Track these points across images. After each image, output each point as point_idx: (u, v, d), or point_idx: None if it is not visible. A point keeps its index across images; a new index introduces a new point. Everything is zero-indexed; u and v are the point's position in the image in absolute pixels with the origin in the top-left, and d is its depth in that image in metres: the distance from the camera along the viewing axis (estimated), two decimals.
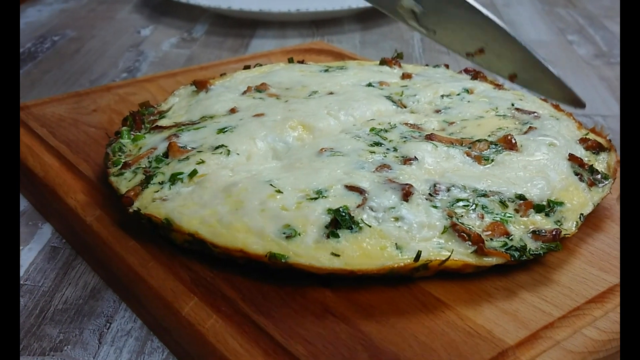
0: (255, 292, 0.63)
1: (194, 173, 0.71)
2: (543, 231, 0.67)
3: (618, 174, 0.81)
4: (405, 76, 0.99)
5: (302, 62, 1.09)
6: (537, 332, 0.58)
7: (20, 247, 0.78)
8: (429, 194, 0.68)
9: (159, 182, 0.71)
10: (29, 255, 0.77)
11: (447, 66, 1.07)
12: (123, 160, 0.77)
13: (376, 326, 0.59)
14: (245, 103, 0.88)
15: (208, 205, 0.67)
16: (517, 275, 0.65)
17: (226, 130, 0.79)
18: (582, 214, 0.70)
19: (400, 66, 1.04)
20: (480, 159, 0.74)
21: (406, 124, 0.83)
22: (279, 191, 0.67)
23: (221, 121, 0.82)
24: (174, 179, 0.71)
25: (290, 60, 1.09)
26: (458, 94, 0.92)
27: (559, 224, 0.69)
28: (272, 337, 0.57)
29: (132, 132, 0.83)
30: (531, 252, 0.65)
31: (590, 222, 0.73)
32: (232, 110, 0.86)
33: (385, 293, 0.63)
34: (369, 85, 0.95)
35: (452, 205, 0.68)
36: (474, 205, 0.68)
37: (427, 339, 0.58)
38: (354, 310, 0.61)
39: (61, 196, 0.77)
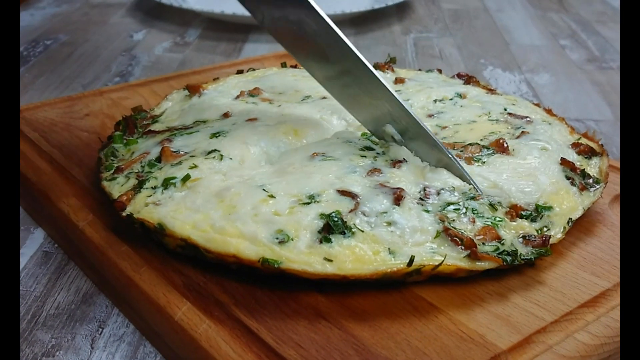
0: (248, 297, 0.63)
1: (186, 178, 0.71)
2: (533, 236, 0.67)
3: (615, 178, 0.82)
4: (399, 81, 0.99)
5: (295, 66, 1.09)
6: (530, 337, 0.58)
7: None
8: (420, 197, 0.69)
9: (152, 187, 0.71)
10: (21, 260, 0.77)
11: (440, 71, 1.07)
12: (115, 165, 0.77)
13: (369, 331, 0.59)
14: (238, 108, 0.88)
15: (201, 210, 0.67)
16: (509, 279, 0.66)
17: (219, 135, 0.79)
18: (570, 219, 0.71)
19: (393, 71, 1.05)
20: (471, 160, 0.75)
21: None
22: (271, 196, 0.67)
23: (214, 126, 0.82)
24: (167, 183, 0.70)
25: (284, 65, 1.09)
26: (451, 99, 0.93)
27: (546, 229, 0.69)
28: (264, 342, 0.57)
29: (124, 137, 0.82)
30: (522, 257, 0.65)
31: (583, 226, 0.74)
32: (226, 115, 0.85)
33: (378, 298, 0.63)
34: None
35: (444, 209, 0.68)
36: (465, 209, 0.68)
37: (419, 344, 0.58)
38: (346, 315, 0.61)
39: (53, 201, 0.77)
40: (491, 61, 1.48)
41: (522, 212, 0.69)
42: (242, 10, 1.56)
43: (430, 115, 0.88)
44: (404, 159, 0.73)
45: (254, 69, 1.06)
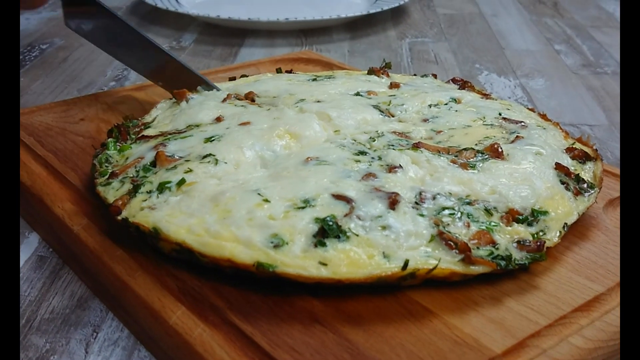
0: (243, 301, 0.63)
1: (182, 182, 0.71)
2: (527, 241, 0.67)
3: (609, 183, 0.82)
4: (393, 85, 1.00)
5: (290, 71, 1.09)
6: (524, 341, 0.58)
7: None
8: (415, 202, 0.69)
9: (147, 191, 0.71)
10: None
11: (435, 76, 1.07)
12: (110, 170, 0.77)
13: (363, 335, 0.59)
14: (229, 111, 0.88)
15: (196, 215, 0.67)
16: (503, 283, 0.66)
17: (213, 140, 0.79)
18: (565, 224, 0.71)
19: (388, 76, 1.05)
20: (466, 166, 0.75)
21: (394, 132, 0.84)
22: (266, 200, 0.67)
23: (208, 130, 0.82)
24: (162, 188, 0.71)
25: (279, 71, 1.09)
26: (446, 104, 0.93)
27: (542, 233, 0.69)
28: (259, 346, 0.57)
29: (118, 143, 0.82)
30: (516, 262, 0.65)
31: (577, 230, 0.74)
32: (218, 119, 0.86)
33: (372, 302, 0.63)
34: (357, 94, 0.96)
35: (439, 214, 0.68)
36: (460, 214, 0.68)
37: (414, 348, 0.58)
38: (341, 319, 0.61)
39: (48, 205, 0.77)
40: (486, 66, 1.49)
41: (518, 216, 0.70)
42: (238, 15, 1.57)
43: (425, 120, 0.88)
44: (400, 164, 0.74)
45: (246, 76, 1.06)
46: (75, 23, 1.03)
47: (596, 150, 0.84)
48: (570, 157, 0.80)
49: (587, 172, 0.79)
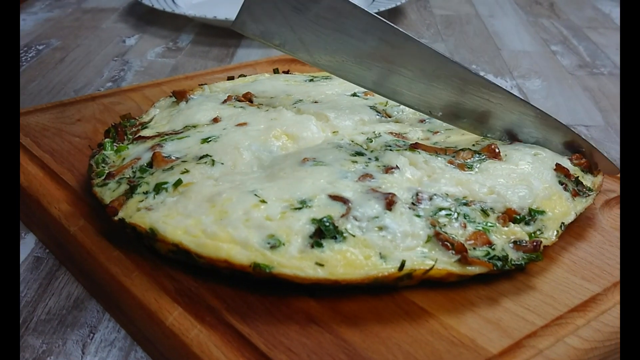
0: (240, 302, 0.63)
1: (178, 183, 0.71)
2: (524, 241, 0.67)
3: (606, 184, 0.82)
4: None
5: (287, 72, 1.09)
6: (520, 341, 0.59)
7: None
8: (412, 203, 0.69)
9: (144, 192, 0.71)
10: None
11: None
12: (107, 171, 0.76)
13: (360, 335, 0.59)
14: (227, 112, 0.88)
15: (192, 215, 0.67)
16: (500, 284, 0.66)
17: (210, 140, 0.79)
18: (563, 223, 0.71)
19: None
20: (464, 167, 0.75)
21: (391, 133, 0.84)
22: (263, 201, 0.67)
23: (205, 131, 0.82)
24: (159, 188, 0.70)
25: (276, 71, 1.09)
26: None
27: (539, 232, 0.69)
28: (256, 347, 0.57)
29: (115, 144, 0.82)
30: (513, 263, 0.66)
31: (573, 231, 0.74)
32: (215, 120, 0.86)
33: (369, 302, 0.63)
34: (354, 95, 0.96)
35: (435, 214, 0.68)
36: (457, 214, 0.68)
37: (410, 348, 0.58)
38: (338, 319, 0.61)
39: (45, 206, 0.77)
40: (483, 67, 1.49)
41: (516, 216, 0.70)
42: (234, 15, 1.56)
43: (422, 121, 0.88)
44: (397, 165, 0.74)
45: (244, 75, 1.06)
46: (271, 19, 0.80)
47: (600, 171, 0.82)
48: (575, 164, 0.80)
49: (587, 181, 0.79)
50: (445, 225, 0.67)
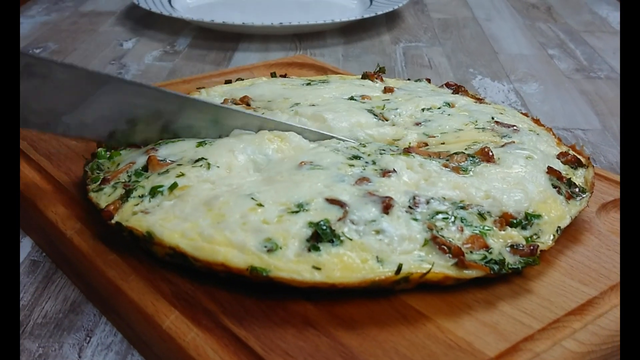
0: (236, 305, 0.63)
1: (174, 186, 0.71)
2: (521, 245, 0.68)
3: (602, 187, 0.83)
4: (387, 90, 1.00)
5: (284, 75, 1.10)
6: (517, 345, 0.59)
7: None
8: (409, 206, 0.69)
9: (139, 196, 0.71)
10: None
11: (428, 80, 1.08)
12: (102, 177, 0.76)
13: (357, 339, 0.59)
14: None
15: (189, 219, 0.67)
16: (496, 287, 0.66)
17: (205, 143, 0.79)
18: (559, 227, 0.71)
19: (382, 80, 1.05)
20: (458, 170, 0.75)
21: (384, 140, 0.84)
22: (260, 204, 0.67)
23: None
24: (154, 192, 0.70)
25: (273, 75, 1.09)
26: (439, 108, 0.93)
27: (535, 237, 0.69)
28: (252, 350, 0.57)
29: (108, 151, 0.82)
30: (510, 266, 0.66)
31: (569, 234, 0.74)
32: None
33: (366, 306, 0.63)
34: (351, 98, 0.96)
35: (432, 218, 0.68)
36: (454, 218, 0.68)
37: (407, 352, 0.58)
38: (335, 323, 0.61)
39: (41, 209, 0.77)
40: (480, 70, 1.49)
41: (512, 220, 0.70)
42: (232, 19, 1.57)
43: (418, 124, 0.89)
44: (394, 169, 0.74)
45: (242, 79, 1.06)
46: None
47: (588, 158, 0.84)
48: (563, 162, 0.80)
49: (578, 177, 0.79)
50: (442, 228, 0.67)
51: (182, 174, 0.72)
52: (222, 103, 0.93)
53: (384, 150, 0.79)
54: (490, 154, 0.77)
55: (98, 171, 0.79)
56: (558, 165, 0.79)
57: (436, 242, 0.65)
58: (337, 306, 0.63)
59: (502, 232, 0.68)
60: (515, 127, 0.86)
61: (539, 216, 0.71)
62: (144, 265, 0.67)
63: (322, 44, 1.63)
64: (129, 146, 0.82)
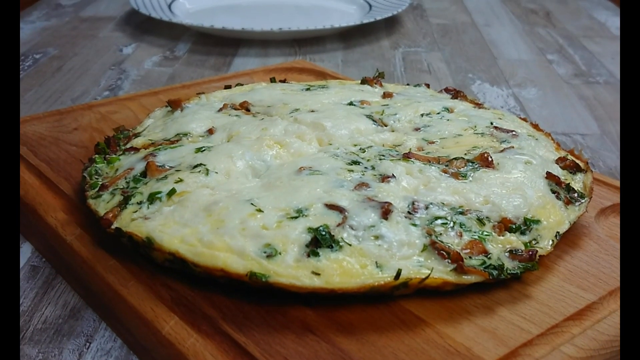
0: (236, 311, 0.63)
1: (172, 192, 0.71)
2: (520, 251, 0.68)
3: (600, 192, 0.83)
4: (386, 95, 1.00)
5: (284, 81, 1.10)
6: (516, 350, 0.59)
7: None
8: (408, 211, 0.69)
9: (138, 202, 0.71)
10: None
11: (427, 85, 1.08)
12: (100, 183, 0.76)
13: (356, 344, 0.59)
14: (221, 121, 0.88)
15: (189, 224, 0.67)
16: (495, 292, 0.66)
17: (204, 150, 0.79)
18: (558, 232, 0.71)
19: (381, 85, 1.05)
20: (457, 175, 0.75)
21: (384, 145, 0.84)
22: (259, 210, 0.67)
23: (198, 141, 0.82)
24: (153, 198, 0.70)
25: (273, 80, 1.09)
26: (438, 113, 0.93)
27: (534, 242, 0.69)
28: (252, 356, 0.57)
29: (106, 156, 0.82)
30: (509, 272, 0.66)
31: (568, 239, 0.74)
32: (210, 131, 0.86)
33: (365, 311, 0.63)
34: (350, 104, 0.96)
35: (431, 223, 0.68)
36: (452, 223, 0.68)
37: (406, 357, 0.58)
38: (334, 328, 0.61)
39: (41, 215, 0.77)
40: (479, 75, 1.49)
41: (511, 225, 0.70)
42: (232, 25, 1.57)
43: (417, 129, 0.89)
44: (393, 174, 0.74)
45: (242, 84, 1.07)
46: None
47: (587, 162, 0.84)
48: (561, 167, 0.81)
49: (577, 182, 0.80)
50: (441, 234, 0.67)
51: (181, 180, 0.72)
52: (221, 108, 0.93)
53: (383, 155, 0.79)
54: (490, 159, 0.78)
55: (96, 176, 0.79)
56: (557, 170, 0.79)
57: (435, 247, 0.65)
58: (337, 312, 0.63)
59: (501, 238, 0.69)
60: (514, 132, 0.87)
61: (537, 221, 0.71)
62: (143, 271, 0.68)
63: (321, 49, 1.64)
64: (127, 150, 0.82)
